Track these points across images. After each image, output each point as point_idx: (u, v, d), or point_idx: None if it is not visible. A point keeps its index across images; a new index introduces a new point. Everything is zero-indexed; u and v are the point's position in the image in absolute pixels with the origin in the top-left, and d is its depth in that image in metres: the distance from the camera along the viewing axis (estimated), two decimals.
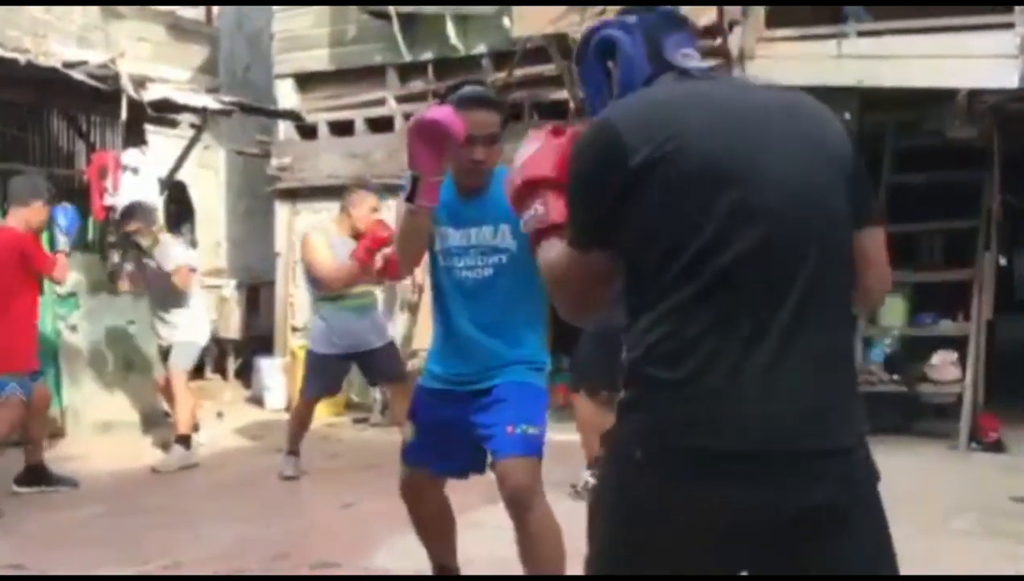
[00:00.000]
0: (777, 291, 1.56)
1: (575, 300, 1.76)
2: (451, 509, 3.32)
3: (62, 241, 5.71)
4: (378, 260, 5.53)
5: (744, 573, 1.65)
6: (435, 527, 3.29)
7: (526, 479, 2.87)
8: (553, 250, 1.75)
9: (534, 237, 1.81)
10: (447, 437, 3.06)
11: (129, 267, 6.64)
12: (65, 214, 5.73)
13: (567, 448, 4.96)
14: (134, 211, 6.51)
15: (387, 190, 8.81)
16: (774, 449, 1.53)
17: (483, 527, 3.94)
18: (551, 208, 1.77)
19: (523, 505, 2.87)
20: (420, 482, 3.17)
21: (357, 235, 5.70)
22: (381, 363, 6.00)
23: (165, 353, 6.55)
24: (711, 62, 1.68)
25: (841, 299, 1.65)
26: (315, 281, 5.79)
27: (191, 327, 6.44)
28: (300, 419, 6.03)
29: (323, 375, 5.93)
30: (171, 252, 6.39)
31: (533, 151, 1.84)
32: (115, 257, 7.34)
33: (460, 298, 3.05)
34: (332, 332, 5.81)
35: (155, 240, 6.36)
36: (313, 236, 5.87)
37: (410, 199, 2.76)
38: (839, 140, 1.68)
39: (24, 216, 5.54)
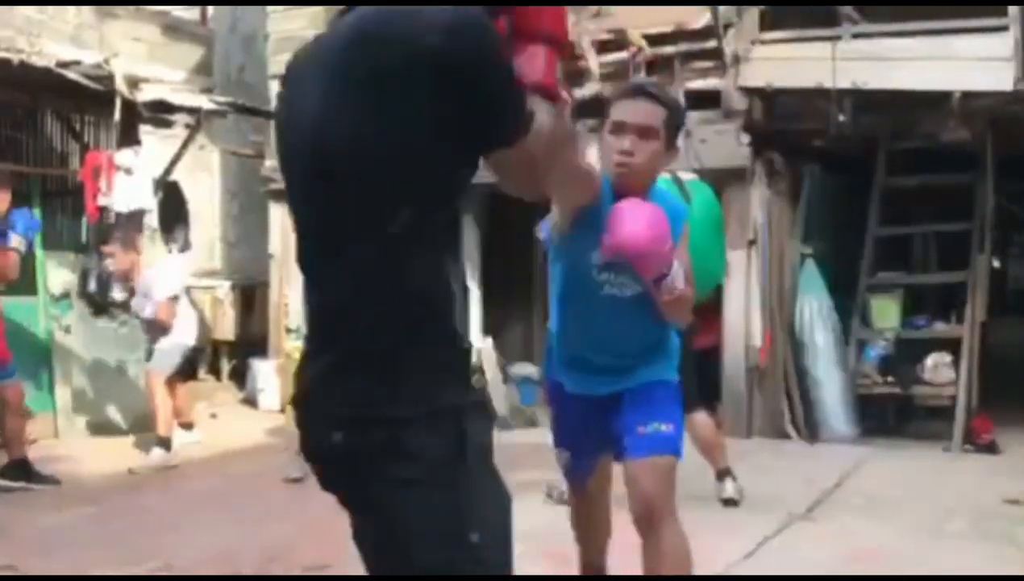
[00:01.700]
0: (322, 244, 1.55)
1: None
2: (610, 517, 3.20)
3: (15, 241, 5.62)
4: None
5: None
6: (598, 533, 3.18)
7: (655, 488, 2.67)
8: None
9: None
10: (590, 441, 2.92)
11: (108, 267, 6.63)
12: (22, 218, 5.71)
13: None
14: (116, 230, 6.52)
15: None
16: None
17: None
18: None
19: (651, 519, 2.67)
20: (592, 502, 3.08)
21: None
22: None
23: (150, 354, 6.55)
24: None
25: (363, 242, 1.48)
26: None
27: (176, 329, 6.41)
28: None
29: None
30: (157, 283, 6.38)
31: None
32: (93, 260, 7.29)
33: (593, 310, 2.77)
34: None
35: (131, 265, 6.37)
36: None
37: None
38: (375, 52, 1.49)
39: None
